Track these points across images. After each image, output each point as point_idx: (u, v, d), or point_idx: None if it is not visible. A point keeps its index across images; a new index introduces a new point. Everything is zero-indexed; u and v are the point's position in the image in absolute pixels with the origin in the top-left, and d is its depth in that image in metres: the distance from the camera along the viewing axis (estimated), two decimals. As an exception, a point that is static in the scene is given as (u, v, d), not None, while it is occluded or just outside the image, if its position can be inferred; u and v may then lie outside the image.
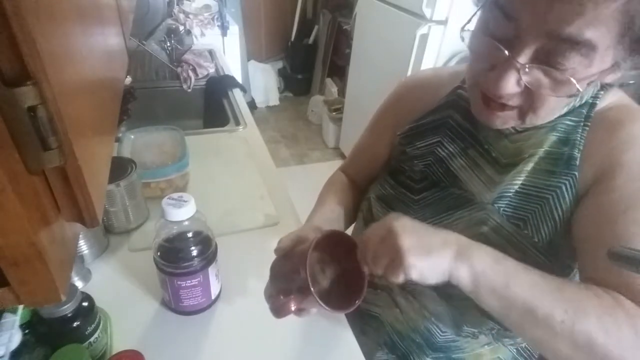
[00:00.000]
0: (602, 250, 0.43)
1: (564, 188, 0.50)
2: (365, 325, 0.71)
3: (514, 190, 0.53)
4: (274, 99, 3.69)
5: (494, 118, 0.49)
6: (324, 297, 0.46)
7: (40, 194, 0.25)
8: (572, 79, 0.40)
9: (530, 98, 0.45)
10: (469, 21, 0.48)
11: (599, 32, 0.37)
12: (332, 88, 3.24)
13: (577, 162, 0.50)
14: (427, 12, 1.79)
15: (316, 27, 3.52)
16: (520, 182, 0.53)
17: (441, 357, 0.65)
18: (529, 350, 0.67)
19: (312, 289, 0.45)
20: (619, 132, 0.48)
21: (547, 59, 0.41)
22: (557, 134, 0.52)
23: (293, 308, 0.49)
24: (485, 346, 0.63)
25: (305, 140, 3.24)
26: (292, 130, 3.37)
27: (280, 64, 3.86)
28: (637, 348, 0.38)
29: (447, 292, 0.46)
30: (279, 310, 0.50)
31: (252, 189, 1.04)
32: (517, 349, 0.65)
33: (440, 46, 1.86)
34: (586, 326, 0.39)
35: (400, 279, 0.42)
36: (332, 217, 0.67)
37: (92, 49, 0.37)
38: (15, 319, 0.53)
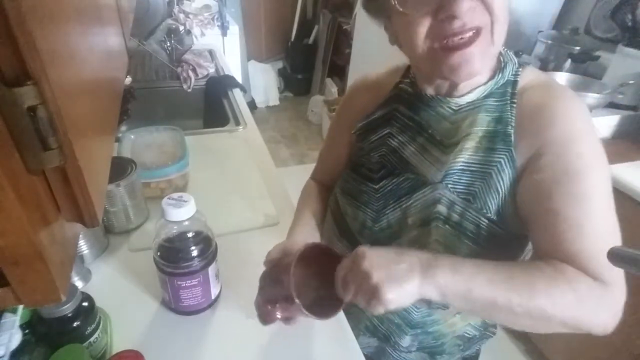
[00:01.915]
0: (545, 225, 0.52)
1: (502, 162, 0.56)
2: (346, 314, 0.76)
3: (459, 167, 0.58)
4: (274, 99, 3.70)
5: (471, 57, 0.50)
6: (308, 306, 0.50)
7: (40, 194, 0.25)
8: None
9: (484, 8, 0.48)
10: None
11: None
12: (332, 88, 3.24)
13: (512, 138, 0.55)
14: (427, 12, 1.78)
15: (316, 27, 3.52)
16: (463, 159, 0.58)
17: (419, 333, 0.70)
18: None
19: (296, 299, 0.49)
20: (544, 111, 0.54)
21: None
22: (489, 114, 0.57)
23: (279, 316, 0.52)
24: (457, 315, 0.68)
25: (305, 140, 3.24)
26: (292, 130, 3.37)
27: (280, 64, 3.86)
28: (578, 305, 0.47)
29: None
30: (265, 318, 0.54)
31: (252, 189, 1.04)
32: None
33: (440, 46, 1.85)
34: (537, 302, 0.47)
35: (380, 312, 0.47)
36: (311, 227, 0.73)
37: (92, 49, 0.37)
38: (15, 319, 0.53)
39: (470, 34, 0.49)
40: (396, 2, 0.51)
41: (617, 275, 0.50)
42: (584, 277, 0.49)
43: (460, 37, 0.49)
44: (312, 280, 0.56)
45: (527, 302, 0.47)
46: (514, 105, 0.56)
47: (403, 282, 0.46)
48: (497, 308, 0.47)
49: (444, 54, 0.50)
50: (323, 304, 0.52)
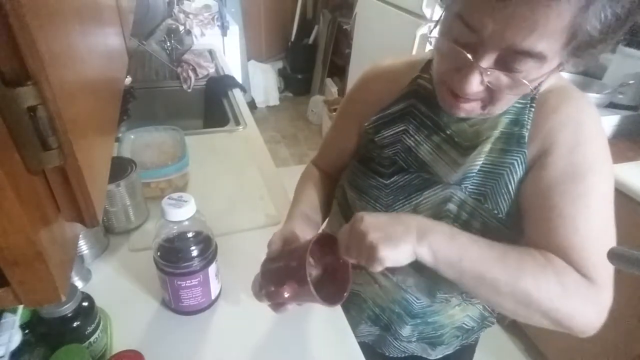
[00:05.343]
0: (541, 218, 0.54)
1: (516, 164, 0.57)
2: (348, 303, 0.77)
3: (476, 170, 0.59)
4: (274, 99, 3.69)
5: (460, 110, 0.54)
6: (318, 291, 0.51)
7: (40, 194, 0.25)
8: (525, 81, 0.47)
9: (491, 94, 0.51)
10: (436, 26, 0.54)
11: (549, 44, 0.43)
12: (332, 88, 3.24)
13: (526, 141, 0.57)
14: (427, 12, 1.79)
15: (316, 27, 3.52)
16: (481, 162, 0.59)
17: (419, 323, 0.72)
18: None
19: (310, 284, 0.49)
20: (557, 114, 0.55)
21: (506, 65, 0.46)
22: (509, 116, 0.58)
23: (286, 295, 0.53)
24: (456, 307, 0.70)
25: (305, 140, 3.24)
26: (292, 130, 3.37)
27: (280, 64, 3.85)
28: (563, 297, 0.49)
29: (420, 266, 0.52)
30: (271, 296, 0.55)
31: (252, 189, 1.04)
32: (483, 306, 0.73)
33: (440, 46, 1.86)
34: (524, 285, 0.48)
35: (379, 269, 0.49)
36: (310, 213, 0.72)
37: (92, 49, 0.37)
38: (15, 319, 0.53)
39: None
40: (436, 40, 0.54)
41: (606, 278, 0.51)
42: (573, 271, 0.50)
43: None
44: (316, 269, 0.58)
45: (514, 283, 0.48)
46: (532, 109, 0.57)
47: (399, 242, 0.48)
48: (484, 283, 0.49)
49: (448, 91, 0.54)
50: (328, 292, 0.54)
